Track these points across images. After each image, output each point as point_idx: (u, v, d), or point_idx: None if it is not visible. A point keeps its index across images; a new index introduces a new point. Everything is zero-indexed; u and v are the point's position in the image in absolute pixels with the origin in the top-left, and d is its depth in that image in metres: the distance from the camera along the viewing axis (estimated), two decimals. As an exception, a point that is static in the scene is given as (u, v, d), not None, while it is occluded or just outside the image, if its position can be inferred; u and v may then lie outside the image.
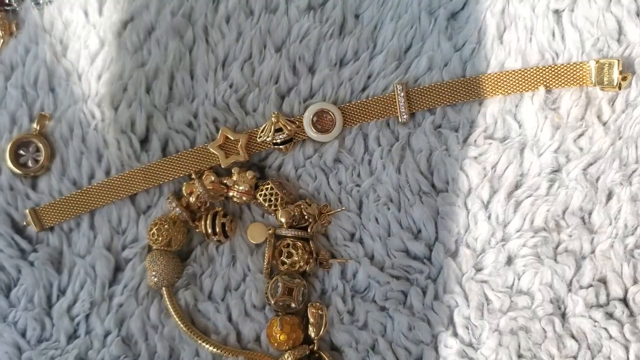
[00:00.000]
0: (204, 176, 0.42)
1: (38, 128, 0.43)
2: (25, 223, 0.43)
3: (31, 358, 0.42)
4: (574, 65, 0.41)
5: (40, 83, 0.45)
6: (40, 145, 0.43)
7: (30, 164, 0.43)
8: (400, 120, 0.42)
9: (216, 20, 0.45)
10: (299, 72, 0.44)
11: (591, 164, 0.40)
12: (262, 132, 0.43)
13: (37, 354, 0.42)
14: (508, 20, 0.43)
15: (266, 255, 0.41)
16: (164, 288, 0.42)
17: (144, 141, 0.44)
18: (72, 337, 0.42)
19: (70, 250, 0.43)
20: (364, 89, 0.43)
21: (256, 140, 0.43)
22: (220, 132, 0.43)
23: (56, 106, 0.44)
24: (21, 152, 0.43)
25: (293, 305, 0.40)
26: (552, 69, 0.41)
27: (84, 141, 0.43)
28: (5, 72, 0.45)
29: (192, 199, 0.42)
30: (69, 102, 0.44)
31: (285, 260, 0.41)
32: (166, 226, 0.42)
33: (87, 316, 0.42)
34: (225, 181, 0.42)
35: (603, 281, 0.39)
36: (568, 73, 0.41)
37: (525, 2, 0.42)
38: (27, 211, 0.43)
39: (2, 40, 0.47)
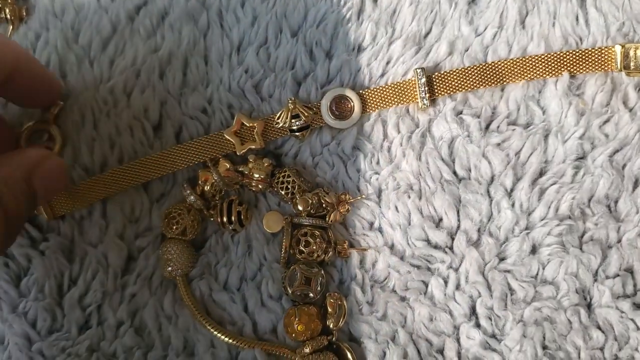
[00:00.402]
0: (219, 163, 0.42)
1: (51, 115, 0.42)
2: (36, 211, 0.42)
3: (42, 349, 0.41)
4: (599, 50, 0.40)
5: (51, 69, 0.44)
6: (54, 133, 0.42)
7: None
8: (420, 106, 0.41)
9: (231, 4, 0.44)
10: (315, 57, 0.43)
11: (617, 151, 0.40)
12: (278, 118, 0.42)
13: (47, 345, 0.41)
14: (530, 5, 0.42)
15: (283, 244, 0.40)
16: (178, 278, 0.41)
17: (157, 128, 0.43)
18: (83, 327, 0.41)
19: (82, 239, 0.42)
20: (382, 75, 0.43)
21: (272, 127, 0.42)
22: (235, 118, 0.42)
23: (68, 93, 0.44)
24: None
25: (311, 295, 0.40)
26: (576, 54, 0.40)
27: (96, 128, 0.43)
28: (15, 58, 0.44)
29: (207, 187, 0.42)
30: (80, 88, 0.44)
31: (303, 249, 0.40)
32: (181, 215, 0.41)
33: (99, 306, 0.41)
34: (240, 169, 0.42)
35: (630, 271, 0.39)
36: (593, 58, 0.40)
37: (548, -15, 0.42)
38: (38, 199, 0.42)
39: (12, 26, 0.46)
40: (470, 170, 0.40)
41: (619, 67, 0.40)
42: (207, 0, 0.44)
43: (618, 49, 0.40)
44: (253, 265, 0.41)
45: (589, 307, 0.39)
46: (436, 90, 0.41)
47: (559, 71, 0.40)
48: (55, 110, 0.42)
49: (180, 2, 0.44)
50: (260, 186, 0.42)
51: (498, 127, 0.41)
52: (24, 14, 0.47)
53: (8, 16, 0.46)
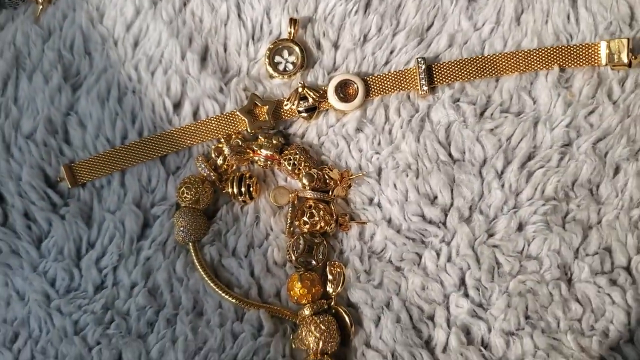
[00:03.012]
0: (231, 140, 0.47)
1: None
2: (58, 178, 0.47)
3: (59, 306, 0.46)
4: (587, 45, 0.46)
5: (77, 47, 0.50)
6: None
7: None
8: (420, 93, 0.46)
9: (248, -4, 0.49)
10: (323, 46, 0.48)
11: (600, 140, 0.45)
12: (288, 100, 0.47)
13: (65, 303, 0.46)
14: (526, 3, 0.48)
15: (290, 215, 0.45)
16: (190, 243, 0.46)
17: (177, 105, 0.48)
18: (99, 287, 0.46)
19: (101, 206, 0.47)
20: (386, 63, 0.48)
21: (282, 107, 0.47)
22: (249, 98, 0.47)
23: (91, 69, 0.49)
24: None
25: (313, 262, 0.45)
26: (566, 49, 0.46)
27: (119, 102, 0.48)
28: (43, 36, 0.50)
29: (219, 161, 0.47)
30: (104, 65, 0.49)
31: (307, 220, 0.45)
32: (195, 185, 0.46)
33: (115, 268, 0.46)
34: (251, 145, 0.47)
35: (608, 250, 0.44)
36: (581, 53, 0.46)
37: (543, -14, 0.47)
38: (62, 167, 0.47)
39: (41, 7, 0.52)
40: (464, 153, 0.46)
41: (604, 62, 0.45)
42: (226, -9, 0.49)
43: (604, 44, 0.45)
44: (260, 234, 0.47)
45: (569, 281, 0.44)
46: (435, 79, 0.47)
47: (550, 65, 0.46)
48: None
49: (201, -10, 0.49)
50: (268, 162, 0.47)
51: (492, 114, 0.46)
52: (53, -4, 0.52)
53: (38, -2, 0.52)
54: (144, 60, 0.49)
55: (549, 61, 0.46)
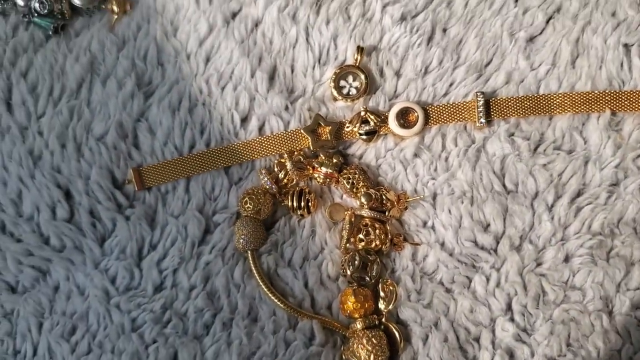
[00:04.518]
0: (293, 155, 0.50)
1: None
2: (126, 180, 0.51)
3: (119, 303, 0.49)
4: (638, 92, 0.49)
5: (150, 57, 0.53)
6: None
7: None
8: (477, 124, 0.50)
9: (317, 22, 0.53)
10: (385, 74, 0.52)
11: (647, 182, 0.49)
12: (350, 122, 0.51)
13: (124, 300, 0.49)
14: (581, 49, 0.51)
15: (346, 231, 0.49)
16: (249, 251, 0.49)
17: (244, 120, 0.52)
18: (158, 288, 0.49)
19: (165, 210, 0.51)
20: (445, 94, 0.52)
21: (344, 129, 0.51)
22: (313, 118, 0.51)
23: (163, 79, 0.52)
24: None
25: (367, 279, 0.48)
26: (618, 95, 0.50)
27: (190, 112, 0.51)
28: (117, 44, 0.54)
29: (281, 175, 0.50)
30: (176, 77, 0.52)
31: (363, 237, 0.48)
32: (257, 197, 0.49)
33: (175, 270, 0.50)
34: (312, 162, 0.50)
35: (649, 286, 0.47)
36: (632, 99, 0.49)
37: (598, 34, 0.51)
38: (131, 170, 0.50)
39: (116, 17, 0.55)
40: (518, 185, 0.49)
41: (654, 109, 0.49)
42: (297, 16, 0.53)
43: (654, 93, 0.49)
44: (315, 247, 0.50)
45: (610, 313, 0.47)
46: (492, 113, 0.50)
47: (602, 108, 0.50)
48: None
49: (272, 14, 0.53)
50: (327, 179, 0.50)
51: (545, 150, 0.50)
52: (128, 7, 0.56)
53: (115, 8, 0.55)
54: (215, 75, 0.53)
55: (601, 104, 0.50)
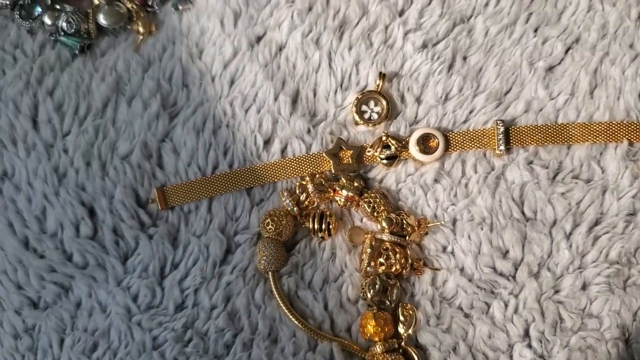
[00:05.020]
0: (315, 178, 0.51)
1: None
2: (150, 200, 0.51)
3: (140, 321, 0.50)
4: (656, 124, 0.50)
5: (175, 79, 0.54)
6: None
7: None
8: (496, 152, 0.51)
9: (339, 48, 0.54)
10: (406, 100, 0.53)
11: (664, 213, 0.50)
12: (371, 147, 0.52)
13: (146, 318, 0.50)
14: (599, 79, 0.52)
15: (367, 255, 0.49)
16: (270, 273, 0.50)
17: (267, 142, 0.53)
18: (179, 307, 0.50)
19: (187, 229, 0.51)
20: (465, 121, 0.53)
21: (365, 153, 0.52)
22: (335, 142, 0.52)
23: (188, 100, 0.53)
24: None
25: (387, 302, 0.49)
26: (636, 126, 0.51)
27: (214, 134, 0.52)
28: (143, 65, 0.55)
29: (302, 197, 0.51)
30: (201, 98, 0.54)
31: (383, 261, 0.49)
32: (279, 218, 0.50)
33: (196, 290, 0.50)
34: (334, 185, 0.51)
35: (665, 316, 0.48)
36: (650, 131, 0.50)
37: (617, 66, 0.52)
38: (155, 189, 0.51)
39: (141, 37, 0.56)
40: (536, 213, 0.50)
41: (671, 141, 0.50)
42: (321, 41, 0.54)
43: (672, 125, 0.50)
44: (335, 270, 0.51)
45: (626, 342, 0.48)
46: (512, 141, 0.51)
47: (620, 138, 0.51)
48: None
49: (296, 39, 0.54)
50: (348, 203, 0.51)
51: (563, 179, 0.51)
52: (154, 28, 0.57)
53: (140, 29, 0.56)
54: (239, 97, 0.54)
55: (619, 135, 0.51)
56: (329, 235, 0.51)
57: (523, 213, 0.51)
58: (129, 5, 0.57)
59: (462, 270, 0.50)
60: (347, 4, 0.55)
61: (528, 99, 0.53)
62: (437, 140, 0.52)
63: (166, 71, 0.55)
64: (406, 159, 0.53)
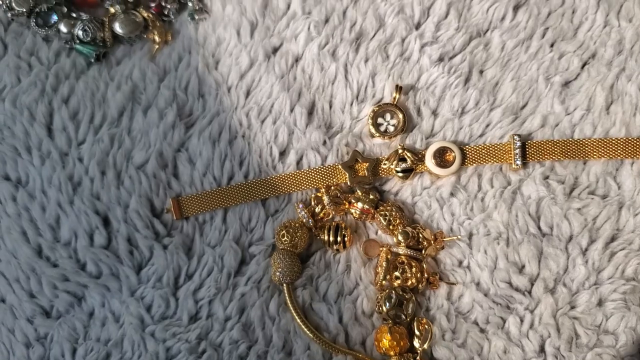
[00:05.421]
0: (330, 190, 0.51)
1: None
2: (165, 209, 0.51)
3: (154, 332, 0.50)
4: (673, 141, 0.51)
5: (191, 88, 0.54)
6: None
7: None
8: (513, 166, 0.51)
9: (356, 60, 0.54)
10: (423, 113, 0.53)
11: (680, 229, 0.50)
12: (387, 159, 0.52)
13: (160, 329, 0.50)
14: (616, 95, 0.53)
15: (382, 268, 0.49)
16: (284, 284, 0.50)
17: (282, 153, 0.53)
18: (193, 318, 0.50)
19: (202, 239, 0.51)
20: (481, 135, 0.53)
21: (381, 166, 0.52)
22: (351, 154, 0.52)
23: (204, 110, 0.54)
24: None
25: (403, 316, 0.49)
26: (653, 142, 0.51)
27: (230, 144, 0.52)
28: (159, 74, 0.55)
29: (317, 209, 0.51)
30: (217, 109, 0.54)
31: (399, 275, 0.49)
32: (294, 230, 0.50)
33: (211, 301, 0.50)
34: (349, 197, 0.51)
35: (681, 333, 0.48)
36: (666, 147, 0.51)
37: (633, 82, 0.53)
38: (170, 199, 0.51)
39: (157, 46, 0.56)
40: (552, 228, 0.50)
41: (687, 158, 0.50)
42: (336, 54, 0.54)
43: (688, 142, 0.50)
44: (350, 283, 0.51)
45: (643, 359, 0.48)
46: (528, 155, 0.51)
47: (636, 154, 0.51)
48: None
49: (312, 51, 0.55)
50: (363, 215, 0.51)
51: (579, 194, 0.51)
52: (170, 37, 0.57)
53: (156, 38, 0.56)
54: (255, 108, 0.54)
55: (635, 151, 0.51)
56: (344, 247, 0.51)
57: (539, 228, 0.51)
58: (145, 15, 0.57)
59: (478, 284, 0.50)
60: (363, 17, 0.55)
61: (544, 113, 0.53)
62: (453, 154, 0.52)
63: (182, 81, 0.55)
64: (422, 172, 0.53)
